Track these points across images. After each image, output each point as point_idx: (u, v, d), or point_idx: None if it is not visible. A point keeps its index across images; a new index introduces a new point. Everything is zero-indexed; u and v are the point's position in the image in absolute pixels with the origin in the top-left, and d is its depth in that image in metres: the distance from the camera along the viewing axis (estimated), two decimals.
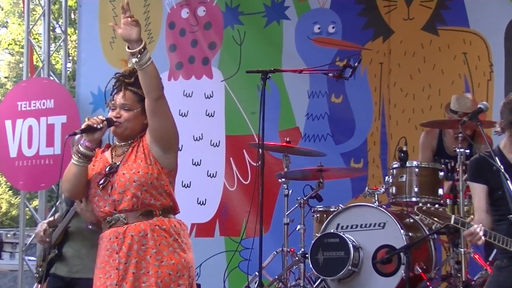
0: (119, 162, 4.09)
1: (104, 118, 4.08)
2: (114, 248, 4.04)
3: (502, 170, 4.32)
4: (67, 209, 5.70)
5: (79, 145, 4.07)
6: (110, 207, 4.06)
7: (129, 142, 4.15)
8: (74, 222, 5.55)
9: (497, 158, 4.42)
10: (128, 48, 3.90)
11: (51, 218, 6.09)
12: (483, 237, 4.31)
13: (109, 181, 4.07)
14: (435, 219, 4.44)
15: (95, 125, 4.05)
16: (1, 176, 21.75)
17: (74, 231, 5.62)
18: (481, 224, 4.33)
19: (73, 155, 4.08)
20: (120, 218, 4.06)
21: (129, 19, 3.89)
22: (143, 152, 4.09)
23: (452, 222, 4.40)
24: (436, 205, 4.50)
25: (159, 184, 4.08)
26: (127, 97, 4.12)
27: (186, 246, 4.11)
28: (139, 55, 3.89)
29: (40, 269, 5.91)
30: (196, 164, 7.98)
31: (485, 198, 4.51)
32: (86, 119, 4.12)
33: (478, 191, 4.54)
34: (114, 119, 4.09)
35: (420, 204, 4.85)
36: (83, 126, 4.06)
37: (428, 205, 4.50)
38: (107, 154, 4.19)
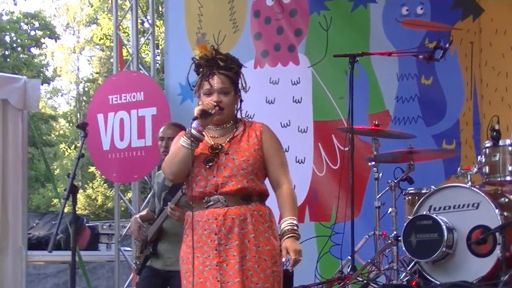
0: (223, 144, 4.14)
1: (216, 103, 4.10)
2: (212, 229, 4.07)
3: None
4: (161, 208, 5.74)
5: (191, 129, 4.10)
6: (211, 188, 4.10)
7: (229, 125, 4.20)
8: (167, 222, 5.60)
9: None
10: None
11: (143, 212, 6.16)
12: None
13: (215, 162, 4.09)
14: None
15: (209, 110, 4.09)
16: (96, 170, 22.25)
17: (167, 229, 5.67)
18: None
19: (183, 138, 4.12)
20: (220, 200, 4.10)
21: None
22: (257, 144, 4.14)
23: None
24: None
25: (262, 172, 4.12)
26: (223, 80, 4.15)
27: (277, 234, 4.16)
28: None
29: (137, 261, 6.00)
30: (284, 150, 7.93)
31: None
32: (200, 103, 4.15)
33: None
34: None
35: None
36: (198, 111, 4.09)
37: None
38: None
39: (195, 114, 4.09)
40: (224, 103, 4.15)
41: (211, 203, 4.12)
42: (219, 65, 4.17)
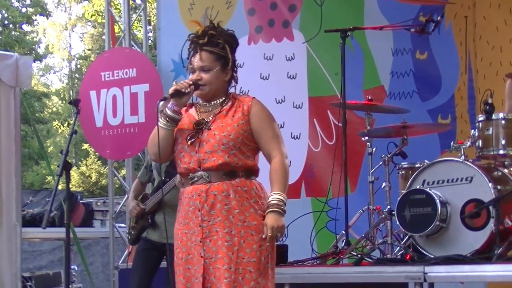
0: (209, 119, 4.11)
1: (191, 82, 4.09)
2: (196, 205, 4.08)
3: None
4: (162, 179, 5.74)
5: (166, 109, 4.11)
6: (194, 164, 4.10)
7: (219, 101, 4.16)
8: (168, 195, 5.61)
9: None
10: None
11: (133, 193, 6.17)
12: None
13: (197, 138, 4.09)
14: None
15: (183, 90, 4.07)
16: (90, 147, 22.23)
17: (167, 202, 5.68)
18: None
19: (160, 119, 4.11)
20: (203, 176, 4.10)
21: None
22: (241, 119, 4.11)
23: None
24: None
25: (247, 147, 4.09)
26: (204, 58, 4.13)
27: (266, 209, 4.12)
28: None
29: (132, 231, 6.01)
30: (279, 126, 7.85)
31: None
32: (174, 83, 4.14)
33: None
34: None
35: None
36: (171, 91, 4.09)
37: None
38: (192, 111, 4.23)
39: (168, 94, 4.10)
40: (205, 80, 4.13)
41: (195, 179, 4.13)
42: (203, 42, 4.14)
